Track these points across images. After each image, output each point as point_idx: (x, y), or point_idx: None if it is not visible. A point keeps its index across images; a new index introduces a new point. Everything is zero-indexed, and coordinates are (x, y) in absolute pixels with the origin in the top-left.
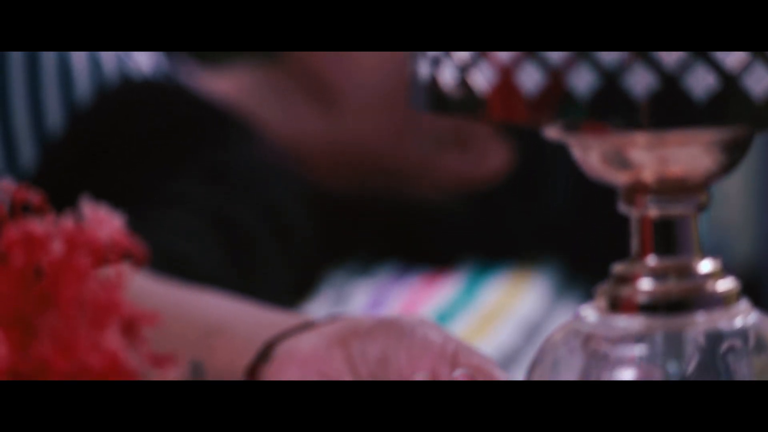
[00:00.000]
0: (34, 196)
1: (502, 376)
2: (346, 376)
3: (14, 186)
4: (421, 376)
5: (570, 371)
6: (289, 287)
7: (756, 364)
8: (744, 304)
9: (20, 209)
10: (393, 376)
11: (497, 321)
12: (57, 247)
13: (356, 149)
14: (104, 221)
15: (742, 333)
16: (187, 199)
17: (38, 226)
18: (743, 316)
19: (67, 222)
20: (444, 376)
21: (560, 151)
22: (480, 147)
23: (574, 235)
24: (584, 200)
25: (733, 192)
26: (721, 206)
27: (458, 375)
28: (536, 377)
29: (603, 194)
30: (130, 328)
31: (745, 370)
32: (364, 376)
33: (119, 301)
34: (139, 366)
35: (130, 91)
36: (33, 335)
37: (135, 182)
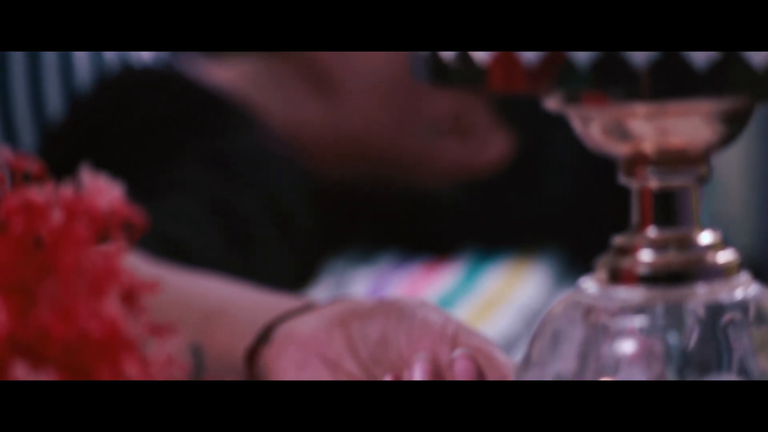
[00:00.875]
0: (33, 165)
1: (502, 357)
2: (346, 358)
3: (13, 155)
4: (421, 357)
5: (570, 343)
6: (289, 275)
7: (756, 336)
8: (744, 276)
9: (20, 178)
10: (393, 357)
11: (497, 308)
12: (56, 216)
13: (356, 138)
14: (104, 190)
15: (743, 305)
16: (187, 185)
17: (37, 194)
18: (744, 288)
19: (67, 190)
20: (444, 357)
21: (560, 140)
22: (480, 136)
23: (574, 224)
24: (584, 189)
25: (735, 186)
26: (722, 200)
27: (458, 355)
28: (537, 350)
29: (603, 183)
30: (130, 296)
31: (745, 341)
32: (364, 357)
33: (119, 269)
34: (138, 335)
35: (131, 78)
36: (33, 302)
37: (134, 169)
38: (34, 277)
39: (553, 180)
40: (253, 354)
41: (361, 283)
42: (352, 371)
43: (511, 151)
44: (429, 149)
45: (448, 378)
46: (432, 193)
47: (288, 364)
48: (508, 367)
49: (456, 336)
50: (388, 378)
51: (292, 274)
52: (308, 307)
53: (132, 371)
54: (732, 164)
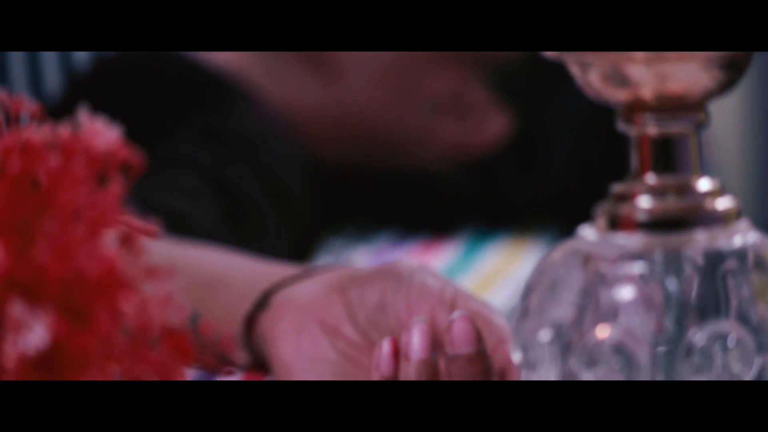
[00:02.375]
0: (31, 106)
1: (500, 320)
2: (344, 323)
3: (9, 96)
4: (419, 319)
5: (569, 291)
6: (287, 252)
7: (755, 282)
8: (744, 223)
9: (17, 119)
10: (391, 322)
11: (496, 284)
12: (54, 155)
13: (355, 117)
14: (101, 131)
15: (742, 251)
16: (185, 160)
17: (35, 134)
18: (743, 235)
19: (64, 131)
20: (442, 320)
21: (558, 119)
22: (478, 115)
23: (573, 202)
24: (583, 167)
25: (735, 173)
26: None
27: (456, 317)
28: (535, 299)
29: (601, 161)
30: (128, 238)
31: (744, 288)
32: (363, 322)
33: (117, 210)
34: (136, 275)
35: (129, 56)
36: (30, 241)
37: (132, 144)
38: (32, 217)
39: (552, 159)
40: (251, 320)
41: (360, 261)
42: (350, 336)
43: (509, 130)
44: (427, 128)
45: (446, 340)
46: (431, 173)
47: (286, 330)
48: (506, 330)
49: (454, 300)
50: (386, 342)
51: (290, 251)
52: (307, 274)
53: (129, 310)
54: (732, 146)
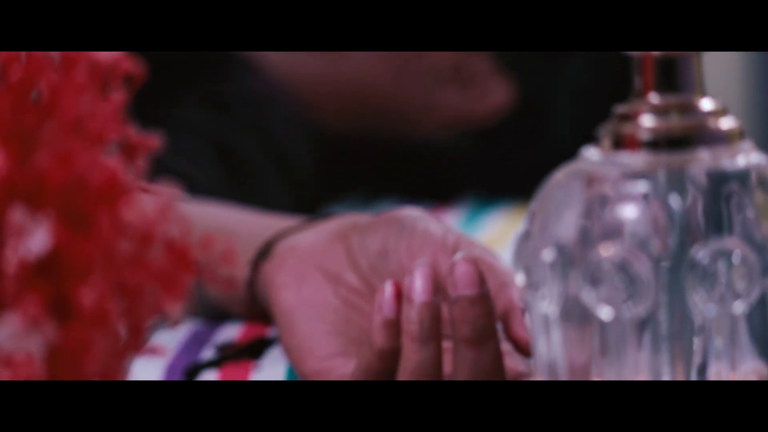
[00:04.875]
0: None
1: (502, 265)
2: (346, 270)
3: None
4: (421, 262)
5: (572, 211)
6: None
7: (759, 202)
8: (747, 144)
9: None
10: (393, 268)
11: (498, 250)
12: (55, 63)
13: (357, 86)
14: None
15: (745, 170)
16: (187, 125)
17: None
18: (746, 155)
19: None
20: (445, 266)
21: (560, 88)
22: (481, 84)
23: None
24: (585, 135)
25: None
26: None
27: (458, 259)
28: (538, 222)
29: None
30: (129, 151)
31: (748, 208)
32: (364, 269)
33: (119, 119)
34: (135, 185)
35: None
36: (32, 148)
37: (135, 109)
38: (33, 125)
39: (554, 127)
40: (254, 269)
41: None
42: (352, 283)
43: (511, 99)
44: (429, 98)
45: (449, 282)
46: (433, 143)
47: (288, 278)
48: (509, 274)
49: (457, 245)
50: (389, 284)
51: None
52: (308, 224)
53: (130, 217)
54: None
